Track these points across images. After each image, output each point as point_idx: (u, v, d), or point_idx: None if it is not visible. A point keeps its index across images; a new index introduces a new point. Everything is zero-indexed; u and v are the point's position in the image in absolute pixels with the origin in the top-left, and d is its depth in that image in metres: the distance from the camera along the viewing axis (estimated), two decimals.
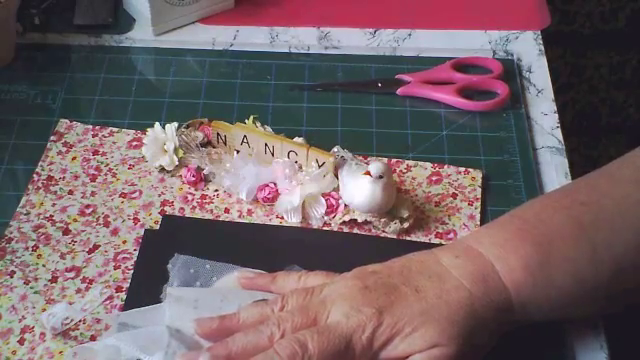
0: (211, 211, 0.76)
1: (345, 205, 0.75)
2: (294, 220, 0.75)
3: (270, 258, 0.70)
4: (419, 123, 0.85)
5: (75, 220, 0.75)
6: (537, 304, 0.62)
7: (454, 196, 0.77)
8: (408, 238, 0.74)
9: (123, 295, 0.69)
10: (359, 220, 0.74)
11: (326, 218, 0.75)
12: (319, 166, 0.76)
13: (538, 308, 0.63)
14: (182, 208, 0.76)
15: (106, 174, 0.79)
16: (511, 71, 0.90)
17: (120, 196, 0.77)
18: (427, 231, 0.74)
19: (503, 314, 0.61)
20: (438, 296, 0.60)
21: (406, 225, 0.74)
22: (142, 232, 0.74)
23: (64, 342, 0.65)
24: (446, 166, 0.80)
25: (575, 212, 0.64)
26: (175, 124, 0.79)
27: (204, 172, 0.78)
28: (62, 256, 0.72)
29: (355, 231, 0.74)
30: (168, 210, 0.76)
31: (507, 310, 0.61)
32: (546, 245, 0.62)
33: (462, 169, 0.80)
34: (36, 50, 0.92)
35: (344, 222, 0.74)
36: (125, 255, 0.72)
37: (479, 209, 0.76)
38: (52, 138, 0.82)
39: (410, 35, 0.95)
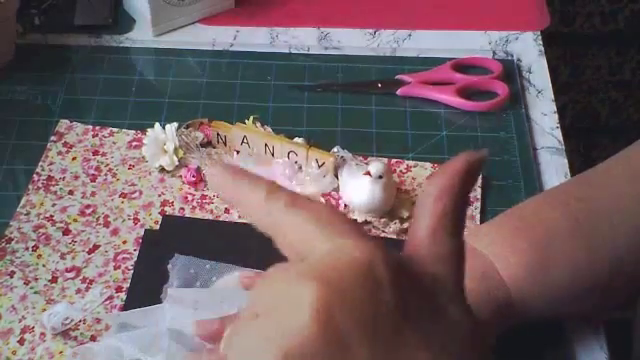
0: (211, 211, 0.76)
1: (345, 205, 0.75)
2: None
3: (270, 258, 0.70)
4: (419, 123, 0.85)
5: (75, 220, 0.75)
6: (536, 300, 0.63)
7: None
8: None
9: (123, 295, 0.69)
10: (359, 220, 0.74)
11: None
12: (319, 166, 0.76)
13: (537, 304, 0.63)
14: (182, 208, 0.76)
15: (106, 174, 0.79)
16: (511, 71, 0.91)
17: (120, 196, 0.77)
18: None
19: (504, 309, 0.61)
20: None
21: (406, 225, 0.74)
22: (142, 232, 0.74)
23: (64, 342, 0.65)
24: None
25: (572, 209, 0.64)
26: (175, 124, 0.80)
27: (204, 172, 0.78)
28: (62, 256, 0.72)
29: None
30: (168, 210, 0.76)
31: (507, 305, 0.61)
32: (544, 242, 0.63)
33: None
34: (36, 50, 0.92)
35: None
36: (125, 255, 0.72)
37: (479, 209, 0.76)
38: (52, 138, 0.82)
39: (410, 36, 0.95)
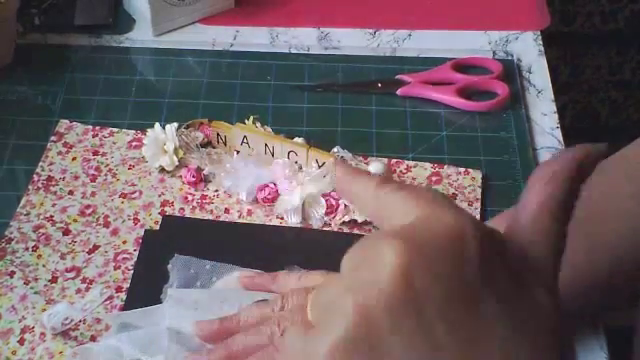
0: (211, 211, 0.76)
1: (345, 205, 0.75)
2: (294, 220, 0.75)
3: (270, 258, 0.70)
4: (419, 123, 0.85)
5: (75, 220, 0.75)
6: None
7: (454, 196, 0.77)
8: None
9: (123, 295, 0.69)
10: (359, 220, 0.74)
11: (326, 218, 0.75)
12: (319, 166, 0.76)
13: None
14: (182, 208, 0.76)
15: (106, 174, 0.79)
16: (511, 71, 0.91)
17: (120, 196, 0.77)
18: None
19: None
20: None
21: None
22: (142, 232, 0.74)
23: (64, 342, 0.65)
24: (446, 166, 0.80)
25: None
26: (175, 124, 0.79)
27: (204, 172, 0.78)
28: (62, 256, 0.72)
29: (355, 231, 0.74)
30: (168, 210, 0.76)
31: None
32: None
33: (462, 169, 0.80)
34: (36, 50, 0.92)
35: (344, 222, 0.75)
36: (125, 255, 0.72)
37: (479, 209, 0.76)
38: (52, 138, 0.82)
39: (410, 35, 0.95)
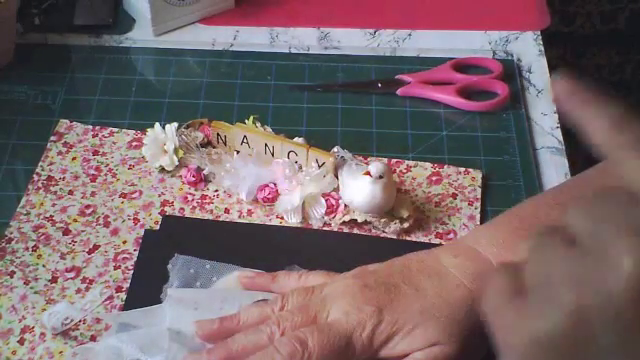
0: (211, 211, 0.76)
1: (345, 205, 0.75)
2: (294, 220, 0.75)
3: (270, 258, 0.70)
4: (419, 123, 0.85)
5: (75, 220, 0.75)
6: None
7: (454, 196, 0.77)
8: (408, 238, 0.74)
9: (123, 295, 0.69)
10: (359, 220, 0.74)
11: (326, 218, 0.75)
12: (319, 166, 0.76)
13: None
14: (182, 208, 0.76)
15: (106, 174, 0.79)
16: (511, 71, 0.91)
17: (120, 196, 0.77)
18: (427, 231, 0.74)
19: None
20: (438, 295, 0.60)
21: (406, 225, 0.74)
22: (142, 232, 0.74)
23: (64, 342, 0.65)
24: (446, 166, 0.80)
25: None
26: (175, 124, 0.79)
27: (204, 172, 0.78)
28: (62, 256, 0.72)
29: (355, 231, 0.74)
30: (168, 210, 0.76)
31: None
32: None
33: (462, 169, 0.80)
34: (36, 50, 0.92)
35: (344, 222, 0.74)
36: (125, 255, 0.72)
37: (479, 209, 0.76)
38: (52, 138, 0.82)
39: (410, 35, 0.95)
